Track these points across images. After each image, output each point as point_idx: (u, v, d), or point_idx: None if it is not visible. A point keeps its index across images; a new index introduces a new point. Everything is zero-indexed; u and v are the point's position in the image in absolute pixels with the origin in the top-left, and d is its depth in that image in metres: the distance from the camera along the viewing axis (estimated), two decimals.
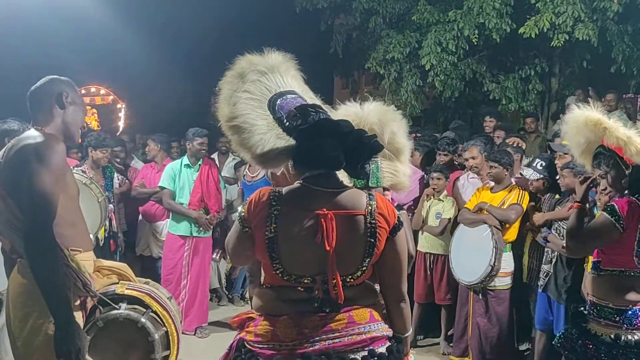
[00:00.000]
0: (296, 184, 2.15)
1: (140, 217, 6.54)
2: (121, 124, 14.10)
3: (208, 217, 5.70)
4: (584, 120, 2.93)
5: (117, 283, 2.79)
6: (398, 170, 3.05)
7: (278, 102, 2.22)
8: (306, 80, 2.46)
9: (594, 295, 2.98)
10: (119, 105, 14.78)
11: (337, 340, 2.04)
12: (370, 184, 3.00)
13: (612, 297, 2.88)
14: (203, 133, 5.68)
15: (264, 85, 2.27)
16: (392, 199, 3.13)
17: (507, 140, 6.22)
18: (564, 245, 3.19)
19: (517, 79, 8.53)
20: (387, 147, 3.04)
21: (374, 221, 2.08)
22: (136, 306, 2.76)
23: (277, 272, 2.07)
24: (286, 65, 2.35)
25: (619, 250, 2.85)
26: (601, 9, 7.45)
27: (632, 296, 2.85)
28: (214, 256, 5.86)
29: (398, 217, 2.16)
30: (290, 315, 2.07)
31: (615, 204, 2.83)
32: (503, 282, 4.85)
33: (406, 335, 2.25)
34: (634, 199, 2.82)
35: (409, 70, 8.61)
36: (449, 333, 5.41)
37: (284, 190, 2.13)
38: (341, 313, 2.08)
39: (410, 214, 5.58)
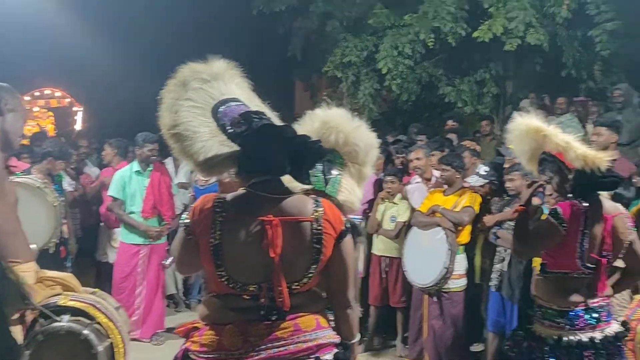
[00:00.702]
0: (241, 190, 2.14)
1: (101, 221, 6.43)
2: (78, 128, 13.80)
3: (159, 228, 5.62)
4: (525, 128, 3.00)
5: (61, 294, 2.72)
6: (354, 190, 3.14)
7: (221, 109, 2.20)
8: (255, 87, 2.45)
9: (539, 297, 3.05)
10: (75, 108, 14.46)
11: (282, 348, 2.03)
12: (326, 190, 3.05)
13: (556, 299, 2.95)
14: (153, 139, 5.54)
15: (206, 93, 2.24)
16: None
17: (463, 143, 6.32)
18: (514, 248, 3.26)
19: (472, 82, 8.66)
20: (356, 168, 3.14)
21: (320, 227, 2.07)
22: (80, 318, 2.70)
23: (223, 279, 2.05)
24: (230, 73, 2.33)
25: (563, 252, 2.92)
26: (551, 14, 7.64)
27: (574, 298, 2.92)
28: (165, 262, 5.77)
29: (345, 223, 2.16)
30: (236, 323, 2.05)
31: (558, 207, 2.90)
32: (457, 284, 4.91)
33: (353, 341, 2.25)
34: (576, 202, 2.89)
35: (366, 74, 8.66)
36: (405, 335, 5.46)
37: (229, 196, 2.12)
38: (287, 321, 2.06)
39: (365, 217, 5.62)
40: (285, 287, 2.03)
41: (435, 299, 4.95)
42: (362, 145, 3.09)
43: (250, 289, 2.05)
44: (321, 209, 2.11)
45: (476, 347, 5.33)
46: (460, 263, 4.89)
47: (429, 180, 5.52)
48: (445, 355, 4.97)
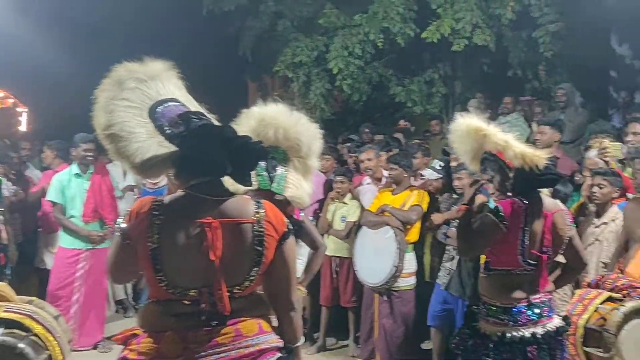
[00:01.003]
0: (180, 192, 2.08)
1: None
2: (23, 129, 13.34)
3: (102, 232, 5.47)
4: (466, 128, 3.03)
5: None
6: (302, 185, 3.17)
7: (159, 109, 2.15)
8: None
9: (484, 294, 3.09)
10: (19, 109, 13.97)
11: (224, 354, 1.99)
12: (272, 188, 3.05)
13: (499, 296, 2.99)
14: (88, 138, 5.35)
15: (143, 93, 2.18)
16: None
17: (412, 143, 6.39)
18: (457, 246, 3.30)
19: (421, 83, 8.73)
20: (300, 161, 3.20)
21: (261, 229, 2.04)
22: (15, 330, 2.59)
23: (162, 285, 1.99)
24: (167, 74, 2.27)
25: (505, 250, 2.96)
26: (496, 15, 7.78)
27: (517, 294, 2.96)
28: None
29: (287, 224, 2.14)
30: (176, 330, 2.00)
31: (499, 205, 2.94)
32: (407, 282, 4.96)
33: (297, 345, 2.23)
34: (517, 199, 2.94)
35: (317, 74, 8.64)
36: (357, 335, 5.47)
37: (167, 199, 2.06)
38: (228, 326, 2.02)
39: (316, 218, 5.61)
40: (226, 291, 1.99)
41: (385, 297, 4.99)
42: (303, 138, 3.14)
43: (191, 293, 2.00)
44: (262, 210, 2.08)
45: (427, 345, 5.38)
46: (410, 262, 4.94)
47: (379, 180, 5.55)
48: (396, 354, 5.01)
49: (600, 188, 4.08)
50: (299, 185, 3.15)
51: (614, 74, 9.26)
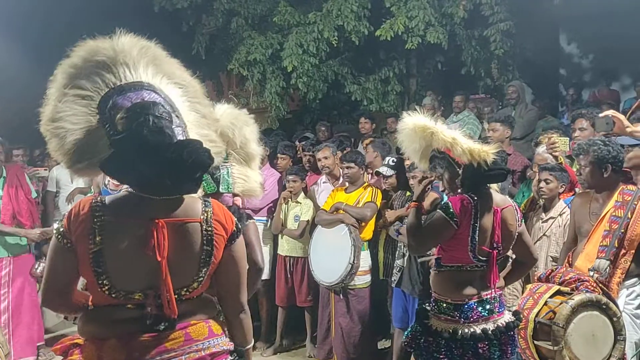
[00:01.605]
0: (123, 192, 1.98)
1: None
2: None
3: (44, 229, 5.27)
4: (412, 127, 3.02)
5: None
6: (249, 176, 3.05)
7: (116, 99, 1.94)
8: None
9: (435, 291, 3.08)
10: None
11: None
12: (220, 190, 2.95)
13: (451, 293, 2.99)
14: None
15: (101, 78, 1.96)
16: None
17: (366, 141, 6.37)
18: (408, 243, 3.28)
19: (377, 81, 8.74)
20: (239, 152, 3.04)
21: (210, 228, 1.96)
22: None
23: (104, 289, 1.88)
24: (139, 51, 2.02)
25: (455, 246, 2.96)
26: (449, 14, 7.84)
27: (468, 291, 2.96)
28: (35, 269, 5.34)
29: (236, 223, 2.06)
30: (119, 337, 1.89)
31: (449, 202, 2.93)
32: (362, 280, 4.95)
33: (247, 347, 2.16)
34: (466, 196, 2.94)
35: (272, 72, 8.56)
36: (315, 335, 5.43)
37: (108, 199, 1.94)
38: (177, 331, 1.94)
39: (270, 217, 5.54)
40: (172, 293, 1.90)
41: (341, 296, 4.96)
42: (233, 129, 2.95)
43: (136, 297, 1.91)
44: (210, 209, 2.00)
45: (383, 344, 5.38)
46: (365, 259, 4.92)
47: (337, 179, 5.52)
48: (353, 353, 4.99)
49: (547, 183, 4.13)
50: (247, 177, 3.04)
51: (563, 72, 9.50)
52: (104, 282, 1.88)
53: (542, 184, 4.15)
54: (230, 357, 2.05)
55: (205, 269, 1.97)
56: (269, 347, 5.58)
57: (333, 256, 4.87)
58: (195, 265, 1.96)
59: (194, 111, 2.07)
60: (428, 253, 4.28)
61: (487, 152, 2.84)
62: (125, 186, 6.35)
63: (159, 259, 1.86)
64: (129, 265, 1.90)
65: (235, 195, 3.04)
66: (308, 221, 5.31)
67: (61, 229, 1.91)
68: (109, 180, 5.73)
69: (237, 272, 2.07)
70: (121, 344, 1.89)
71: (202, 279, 1.98)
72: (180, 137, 1.91)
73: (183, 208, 1.96)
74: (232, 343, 2.08)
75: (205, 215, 1.97)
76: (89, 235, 1.87)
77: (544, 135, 4.77)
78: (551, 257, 4.08)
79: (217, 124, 2.25)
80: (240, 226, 2.10)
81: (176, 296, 1.92)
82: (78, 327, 2.00)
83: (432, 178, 3.13)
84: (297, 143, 6.66)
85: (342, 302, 4.98)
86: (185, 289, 1.96)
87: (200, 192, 2.98)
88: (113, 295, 1.89)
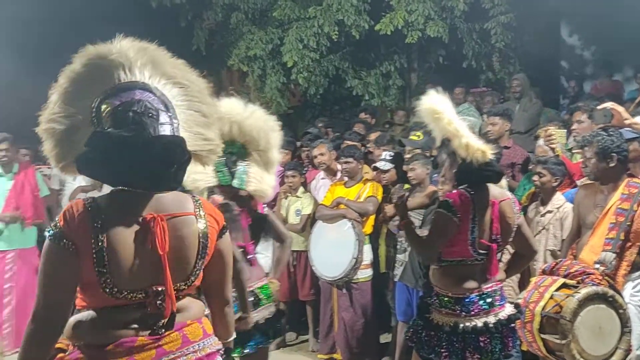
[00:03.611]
0: (113, 189, 1.94)
1: None
2: None
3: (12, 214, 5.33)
4: (427, 107, 2.95)
5: None
6: (264, 178, 3.22)
7: (109, 99, 1.92)
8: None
9: (436, 285, 3.07)
10: None
11: None
12: (233, 184, 3.04)
13: (452, 287, 2.98)
14: (1, 138, 5.36)
15: (99, 81, 1.95)
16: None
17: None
18: (419, 255, 3.25)
19: (378, 75, 8.74)
20: (261, 154, 3.23)
21: (205, 222, 1.98)
22: None
23: (106, 289, 1.83)
24: (136, 53, 2.00)
25: (456, 241, 2.94)
26: (449, 7, 7.83)
27: (469, 284, 2.96)
28: None
29: (225, 218, 2.10)
30: (118, 343, 1.85)
31: (448, 199, 2.92)
32: (364, 274, 4.95)
33: (229, 340, 2.22)
34: (463, 190, 2.93)
35: (273, 67, 8.56)
36: (317, 329, 5.44)
37: (100, 198, 1.91)
38: (174, 332, 1.93)
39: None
40: (172, 288, 1.89)
41: (344, 290, 4.96)
42: (259, 130, 3.17)
43: (138, 296, 1.88)
44: (201, 203, 2.03)
45: (385, 338, 5.38)
46: (366, 253, 4.92)
47: (334, 174, 5.51)
48: (356, 347, 4.99)
49: (540, 177, 4.12)
50: (261, 179, 3.19)
51: (564, 64, 9.47)
52: (107, 282, 1.84)
53: (535, 177, 4.14)
54: (219, 357, 2.06)
55: (202, 261, 1.99)
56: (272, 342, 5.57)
57: (335, 251, 4.87)
58: (192, 258, 1.96)
59: (192, 110, 2.05)
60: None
61: (484, 151, 2.82)
62: None
63: (161, 252, 1.86)
64: (131, 264, 1.87)
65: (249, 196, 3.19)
66: (309, 215, 5.31)
67: (59, 230, 1.85)
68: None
69: (224, 266, 2.10)
70: (121, 349, 1.85)
71: (198, 272, 1.99)
72: (165, 134, 1.89)
73: (176, 203, 1.97)
74: (220, 342, 2.08)
75: (198, 209, 1.99)
76: (90, 235, 1.83)
77: (541, 129, 4.76)
78: (549, 250, 4.06)
79: (219, 122, 2.24)
80: (227, 223, 2.12)
81: (176, 291, 1.93)
82: (66, 333, 1.91)
83: (404, 195, 3.23)
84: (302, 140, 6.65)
85: (345, 297, 4.98)
86: (184, 283, 1.96)
87: (215, 182, 3.08)
88: (115, 296, 1.85)
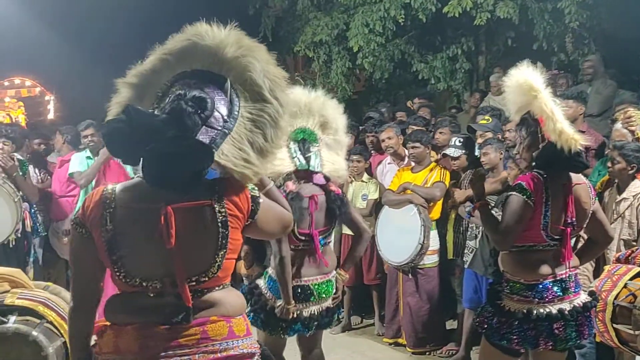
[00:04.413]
0: (135, 179, 1.95)
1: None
2: (51, 117, 13.49)
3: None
4: (523, 80, 2.84)
5: (8, 292, 2.58)
6: (337, 161, 3.35)
7: (178, 82, 1.94)
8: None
9: (507, 271, 3.00)
10: (47, 97, 14.11)
11: (185, 357, 1.84)
12: (310, 167, 3.12)
13: (523, 273, 2.91)
14: (87, 124, 5.62)
15: (186, 60, 1.96)
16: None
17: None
18: (493, 240, 3.17)
19: (444, 59, 8.58)
20: (331, 138, 3.34)
21: (223, 210, 1.88)
22: (28, 317, 2.53)
23: (120, 276, 1.86)
24: (236, 50, 1.95)
25: (528, 225, 2.85)
26: None
27: (542, 270, 2.87)
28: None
29: (253, 200, 1.97)
30: (136, 325, 1.86)
31: (522, 182, 2.84)
32: (431, 260, 4.92)
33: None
34: (535, 173, 2.85)
35: (338, 52, 8.55)
36: (383, 314, 5.45)
37: (120, 185, 1.93)
38: (194, 327, 1.86)
39: None
40: (185, 281, 1.85)
41: (410, 275, 4.95)
42: (328, 113, 3.29)
43: (153, 285, 1.87)
44: (222, 190, 1.91)
45: (451, 324, 5.33)
46: (434, 239, 4.89)
47: (402, 159, 5.47)
48: (421, 332, 4.98)
49: (614, 163, 3.93)
50: (334, 161, 3.30)
51: None
52: (119, 269, 1.86)
53: (609, 164, 3.95)
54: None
55: (223, 252, 1.89)
56: (336, 325, 5.62)
57: (402, 236, 4.86)
58: (211, 249, 1.88)
59: (256, 127, 1.95)
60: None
61: (577, 140, 2.73)
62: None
63: (167, 244, 1.81)
64: (141, 252, 1.87)
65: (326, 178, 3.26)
66: (376, 199, 5.31)
67: (77, 218, 1.92)
68: None
69: (277, 224, 2.10)
70: (137, 333, 1.85)
71: (220, 262, 1.89)
72: (202, 137, 1.85)
73: (193, 192, 1.87)
74: (257, 346, 1.99)
75: (217, 196, 1.89)
76: (101, 222, 1.86)
77: (619, 111, 4.55)
78: (623, 239, 3.88)
79: (276, 149, 2.05)
80: (258, 201, 2.00)
81: (194, 283, 1.87)
82: (104, 311, 1.98)
83: (480, 170, 3.17)
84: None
85: (411, 282, 4.97)
86: (203, 275, 1.88)
87: (292, 167, 3.14)
88: (129, 283, 1.87)
